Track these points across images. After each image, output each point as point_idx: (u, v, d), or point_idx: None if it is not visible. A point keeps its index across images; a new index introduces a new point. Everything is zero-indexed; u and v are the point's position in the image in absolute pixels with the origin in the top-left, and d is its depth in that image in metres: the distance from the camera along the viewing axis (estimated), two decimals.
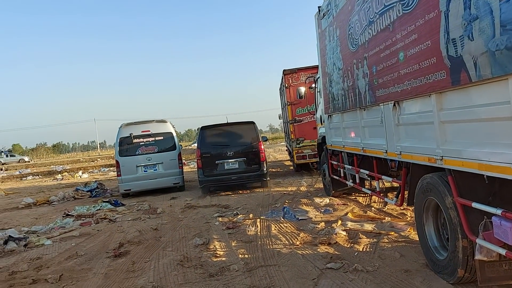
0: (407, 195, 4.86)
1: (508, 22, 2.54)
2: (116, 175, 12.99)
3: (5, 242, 7.09)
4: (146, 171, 12.22)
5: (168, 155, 12.32)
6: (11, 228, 8.61)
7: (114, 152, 13.83)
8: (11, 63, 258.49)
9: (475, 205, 3.20)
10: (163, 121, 12.82)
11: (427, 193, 4.10)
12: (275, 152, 28.73)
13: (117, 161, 12.27)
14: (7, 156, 53.25)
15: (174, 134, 12.76)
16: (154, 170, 12.24)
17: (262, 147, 11.53)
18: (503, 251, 2.96)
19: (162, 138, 12.42)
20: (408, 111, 4.36)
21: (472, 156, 3.13)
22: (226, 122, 12.28)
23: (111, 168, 27.65)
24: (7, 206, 13.21)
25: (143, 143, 12.27)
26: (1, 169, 37.23)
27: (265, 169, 11.39)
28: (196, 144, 12.39)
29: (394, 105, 4.57)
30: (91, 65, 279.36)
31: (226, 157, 11.27)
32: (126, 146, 12.20)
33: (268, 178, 11.84)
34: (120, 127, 12.49)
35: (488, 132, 2.97)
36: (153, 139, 12.34)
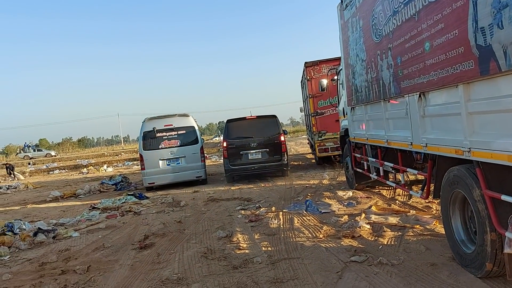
0: (433, 188, 4.77)
1: None
2: (140, 168, 13.21)
3: (35, 234, 7.32)
4: (169, 164, 12.37)
5: (190, 148, 12.44)
6: (40, 220, 8.89)
7: (137, 146, 14.07)
8: (38, 61, 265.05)
9: (504, 197, 3.12)
10: (186, 115, 12.93)
11: (454, 186, 4.02)
12: (297, 145, 28.64)
13: (141, 155, 12.47)
14: (34, 150, 54.71)
15: (196, 128, 12.87)
16: (177, 163, 12.39)
17: (283, 139, 12.28)
18: None
19: (184, 132, 12.54)
20: (434, 102, 4.27)
21: (502, 147, 3.04)
22: (249, 115, 12.85)
23: (135, 162, 28.13)
24: (35, 199, 13.62)
25: (166, 137, 12.42)
26: (29, 163, 38.29)
27: (286, 160, 12.27)
28: (217, 138, 14.43)
29: (420, 96, 4.48)
30: (114, 61, 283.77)
31: (250, 148, 12.15)
32: (150, 140, 12.38)
33: (289, 168, 12.59)
34: (144, 121, 12.67)
35: None
36: (175, 133, 12.47)
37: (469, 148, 3.51)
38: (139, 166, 13.38)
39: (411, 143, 4.92)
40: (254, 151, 12.16)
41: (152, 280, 4.65)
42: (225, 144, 12.41)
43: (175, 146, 12.40)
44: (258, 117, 12.71)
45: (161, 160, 12.32)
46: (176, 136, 12.48)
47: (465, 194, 3.80)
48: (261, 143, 12.18)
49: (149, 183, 12.37)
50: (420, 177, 5.48)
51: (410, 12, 4.39)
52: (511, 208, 3.15)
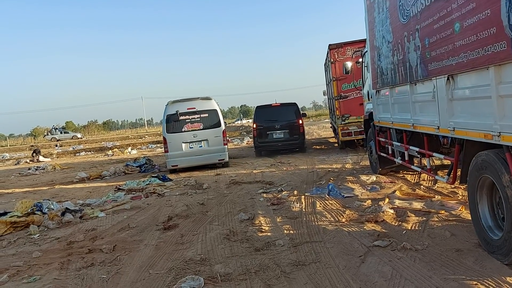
0: (459, 173, 4.66)
1: None
2: (163, 151, 13.39)
3: (63, 214, 7.55)
4: (192, 147, 12.49)
5: (213, 132, 12.52)
6: (67, 200, 9.15)
7: (160, 129, 14.29)
8: (66, 46, 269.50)
9: None
10: (208, 98, 12.96)
11: (481, 171, 3.92)
12: (319, 129, 28.44)
13: (164, 138, 12.62)
14: (61, 133, 56.03)
15: (219, 111, 12.91)
16: (200, 146, 12.50)
17: (301, 122, 15.10)
18: None
19: (207, 115, 12.61)
20: (463, 85, 4.14)
21: None
22: (275, 102, 15.84)
23: (158, 145, 28.50)
24: (62, 180, 14.02)
25: (189, 120, 12.51)
26: (56, 145, 39.31)
27: (303, 139, 15.29)
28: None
29: (448, 79, 4.35)
30: (139, 45, 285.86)
31: (274, 129, 15.04)
32: (173, 123, 12.50)
33: (306, 146, 15.73)
34: (167, 104, 12.78)
35: None
36: (198, 116, 12.55)
37: (499, 133, 3.40)
38: (163, 148, 13.55)
39: (438, 127, 4.80)
40: (278, 131, 15.01)
41: (176, 260, 4.75)
42: (254, 126, 15.42)
43: (198, 129, 12.49)
44: (281, 104, 15.67)
45: (184, 143, 12.44)
46: (199, 119, 12.56)
47: (494, 180, 3.70)
48: (283, 125, 14.96)
49: (172, 166, 12.53)
50: (446, 162, 5.36)
51: None
52: None
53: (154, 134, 45.10)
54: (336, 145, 16.09)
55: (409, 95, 5.84)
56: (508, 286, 3.24)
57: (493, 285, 3.28)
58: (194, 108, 12.57)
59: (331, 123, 19.48)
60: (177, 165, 12.53)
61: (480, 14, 3.47)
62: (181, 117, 12.47)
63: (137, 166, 14.69)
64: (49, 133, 56.48)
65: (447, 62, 4.28)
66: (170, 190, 9.65)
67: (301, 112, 15.89)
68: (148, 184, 10.73)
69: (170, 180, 11.14)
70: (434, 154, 5.48)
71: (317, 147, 16.84)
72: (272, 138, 15.08)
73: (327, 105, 20.67)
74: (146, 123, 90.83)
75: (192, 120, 12.53)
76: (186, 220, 6.63)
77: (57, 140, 49.05)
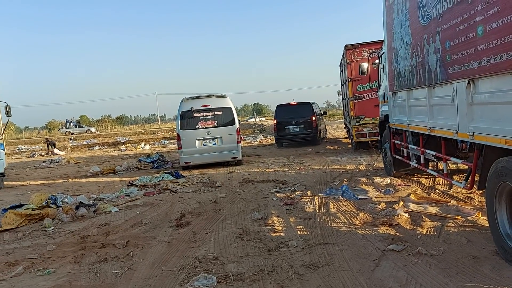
0: (477, 178, 4.58)
1: None
2: (176, 147, 13.45)
3: (77, 208, 7.63)
4: (206, 144, 12.52)
5: (227, 129, 12.52)
6: (81, 194, 9.26)
7: (173, 125, 14.42)
8: (79, 41, 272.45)
9: None
10: (223, 96, 12.97)
11: (501, 178, 3.85)
12: (332, 130, 28.25)
13: (178, 134, 12.67)
14: (75, 126, 56.63)
15: (233, 109, 12.91)
16: (213, 144, 12.52)
17: (314, 118, 17.82)
18: None
19: (221, 112, 12.61)
20: (485, 89, 4.07)
21: None
22: (292, 101, 18.84)
23: (171, 141, 28.66)
24: (76, 174, 14.19)
25: (203, 117, 12.53)
26: (71, 139, 39.77)
27: (316, 133, 18.01)
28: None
29: (469, 83, 4.27)
30: (152, 41, 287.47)
31: (291, 124, 17.95)
32: (187, 120, 12.54)
33: (319, 139, 18.41)
34: (182, 101, 12.82)
35: None
36: (212, 113, 12.57)
37: None
38: (176, 145, 13.63)
39: (457, 131, 4.72)
40: (294, 126, 17.90)
41: (188, 258, 4.76)
42: (275, 121, 18.47)
43: (212, 127, 12.51)
44: (298, 103, 18.66)
45: (198, 140, 12.48)
46: (213, 116, 12.57)
47: None
48: (299, 121, 17.82)
49: (185, 162, 12.58)
50: (462, 166, 5.28)
51: None
52: None
53: (167, 130, 45.35)
54: (350, 146, 15.99)
55: (427, 98, 5.75)
56: None
57: None
58: (209, 105, 12.59)
59: (345, 124, 19.38)
60: (190, 162, 12.57)
61: (505, 18, 3.40)
62: (195, 114, 12.50)
63: (150, 162, 14.79)
64: (63, 127, 57.14)
65: (468, 66, 4.20)
66: (182, 187, 9.69)
67: (322, 110, 20.14)
68: (161, 180, 10.79)
69: (183, 177, 11.19)
70: (451, 158, 5.40)
71: (331, 147, 16.75)
72: (289, 132, 17.99)
73: (341, 105, 20.57)
74: (159, 119, 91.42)
75: (206, 117, 12.55)
76: (198, 217, 6.65)
77: (71, 134, 49.59)
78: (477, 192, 6.20)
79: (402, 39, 6.65)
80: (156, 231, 6.11)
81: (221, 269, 4.31)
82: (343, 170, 10.21)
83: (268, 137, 26.94)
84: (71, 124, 57.21)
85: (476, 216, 5.29)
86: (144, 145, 27.53)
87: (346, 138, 19.62)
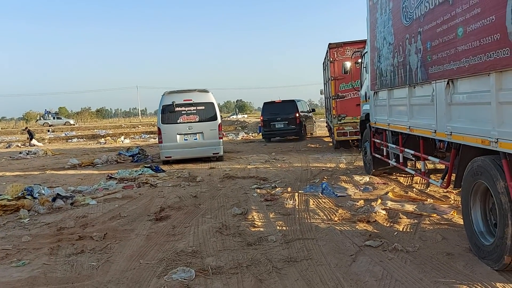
0: (454, 177, 4.69)
1: None
2: (157, 142, 13.33)
3: (54, 199, 7.49)
4: (187, 139, 12.44)
5: (208, 125, 12.46)
6: (58, 186, 9.08)
7: (154, 119, 14.30)
8: (59, 31, 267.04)
9: None
10: (205, 91, 12.90)
11: (476, 177, 3.94)
12: (314, 128, 28.39)
13: (159, 129, 12.55)
14: (54, 118, 55.60)
15: (216, 105, 12.85)
16: (194, 139, 12.45)
17: (298, 115, 19.15)
18: None
19: (203, 107, 12.54)
20: (463, 90, 4.16)
21: None
22: (278, 99, 20.18)
23: (152, 135, 28.40)
24: (54, 166, 13.93)
25: (184, 111, 12.44)
26: (49, 130, 39.01)
27: (299, 128, 19.28)
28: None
29: (448, 83, 4.36)
30: (135, 34, 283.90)
31: (277, 120, 19.25)
32: (168, 114, 12.42)
33: (303, 134, 19.69)
34: (163, 95, 12.70)
35: None
36: (194, 108, 12.49)
37: (497, 139, 3.42)
38: (156, 139, 13.50)
39: (435, 131, 4.82)
40: (279, 122, 19.21)
41: (167, 251, 4.73)
42: (261, 118, 19.92)
43: (194, 122, 12.43)
44: (282, 101, 20.11)
45: (179, 134, 12.39)
46: (195, 111, 12.49)
47: (488, 186, 3.72)
48: (283, 118, 19.11)
49: (166, 157, 12.48)
50: (439, 166, 5.38)
51: None
52: None
53: (147, 124, 44.92)
54: (331, 144, 16.11)
55: (407, 97, 5.85)
56: None
57: None
58: (191, 100, 12.50)
59: (326, 122, 19.55)
60: (170, 157, 12.48)
61: (485, 20, 3.48)
62: (177, 108, 12.40)
63: (129, 156, 14.62)
64: (41, 118, 56.05)
65: (448, 66, 4.29)
66: (162, 181, 9.62)
67: (311, 107, 23.47)
68: (141, 174, 10.68)
69: (163, 171, 11.10)
70: (429, 157, 5.50)
71: (312, 145, 16.85)
72: (275, 128, 19.36)
73: (323, 104, 20.83)
74: (140, 112, 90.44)
75: (188, 112, 12.46)
76: (178, 211, 6.61)
77: (50, 126, 48.66)
78: (453, 191, 6.33)
79: (384, 39, 6.73)
80: (135, 224, 6.05)
81: (199, 263, 4.30)
82: (324, 168, 10.29)
83: (250, 134, 26.96)
84: (50, 115, 56.15)
85: (452, 214, 5.41)
86: (124, 138, 27.21)
87: (327, 136, 19.78)
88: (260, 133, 24.33)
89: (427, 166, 6.72)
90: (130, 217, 6.46)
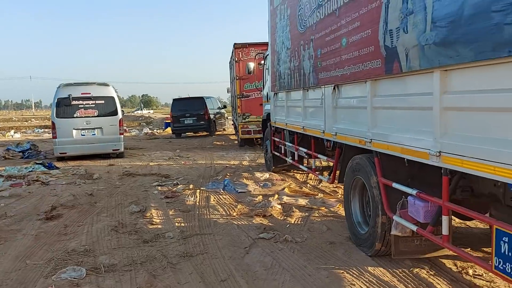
0: (338, 173, 5.16)
1: (438, 19, 2.76)
2: (51, 137, 12.48)
3: None
4: (84, 135, 11.83)
5: (108, 120, 11.98)
6: None
7: (50, 113, 13.38)
8: None
9: (395, 185, 3.51)
10: (105, 85, 12.39)
11: (355, 173, 4.40)
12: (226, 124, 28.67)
13: (53, 123, 11.78)
14: None
15: (116, 99, 12.39)
16: (93, 134, 11.88)
17: (206, 111, 19.98)
18: (414, 228, 3.29)
19: (103, 102, 12.02)
20: (346, 95, 4.60)
21: (396, 140, 3.40)
22: (187, 96, 22.08)
23: (46, 130, 26.37)
24: None
25: (82, 105, 11.81)
26: None
27: (209, 124, 20.13)
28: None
29: (334, 88, 4.78)
30: (30, 16, 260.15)
31: (186, 116, 19.89)
32: (64, 107, 11.71)
33: (212, 130, 20.39)
34: (59, 87, 11.94)
35: (412, 119, 3.25)
36: (93, 102, 11.91)
37: (371, 139, 3.86)
38: (51, 134, 12.63)
39: (324, 131, 5.25)
40: (188, 118, 19.86)
41: (57, 251, 4.53)
42: (171, 114, 20.54)
43: (92, 116, 11.86)
44: (192, 97, 21.51)
45: (75, 129, 11.73)
46: (94, 105, 11.92)
47: (364, 181, 4.18)
48: (193, 114, 19.85)
49: (60, 153, 11.75)
50: (331, 163, 5.87)
51: (332, 7, 4.64)
52: (400, 195, 3.54)
53: (42, 118, 41.57)
54: (236, 142, 16.45)
55: (302, 100, 6.26)
56: (368, 274, 3.69)
57: (357, 274, 3.71)
58: (90, 93, 11.90)
59: (233, 120, 19.91)
60: (65, 153, 11.76)
61: (363, 33, 3.89)
62: (74, 102, 11.72)
63: (19, 151, 13.48)
64: None
65: (334, 73, 4.70)
66: (56, 179, 9.07)
67: (223, 104, 23.96)
68: (31, 171, 9.94)
69: (57, 168, 10.44)
70: (319, 155, 5.97)
71: (218, 143, 17.03)
72: (184, 123, 19.97)
73: (231, 103, 21.21)
74: (33, 105, 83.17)
75: (86, 106, 11.85)
76: (71, 210, 6.32)
77: None
78: (341, 186, 6.91)
79: (283, 43, 7.10)
80: (23, 224, 5.67)
81: (92, 261, 4.19)
82: (227, 165, 10.51)
83: (156, 130, 26.35)
84: None
85: (338, 207, 5.92)
86: (14, 132, 24.91)
87: (233, 134, 20.14)
88: (166, 130, 24.08)
89: (321, 163, 7.27)
90: (17, 216, 6.03)
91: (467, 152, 2.56)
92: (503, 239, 2.37)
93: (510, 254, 2.33)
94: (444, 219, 2.91)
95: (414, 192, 3.24)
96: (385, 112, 3.70)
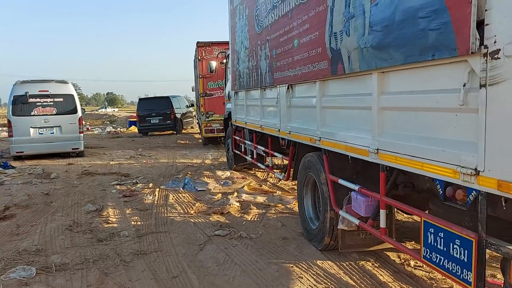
0: (293, 171, 5.30)
1: (374, 24, 2.92)
2: (7, 135, 12.09)
3: None
4: (42, 133, 11.52)
5: (67, 118, 11.71)
6: None
7: (6, 111, 12.94)
8: None
9: (341, 181, 3.67)
10: (64, 82, 12.11)
11: (307, 170, 4.55)
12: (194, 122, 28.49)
13: (9, 121, 11.42)
14: None
15: (76, 97, 12.13)
16: (51, 133, 11.59)
17: (172, 111, 20.04)
18: (357, 221, 3.46)
19: (62, 99, 11.74)
20: (298, 94, 4.73)
21: (341, 138, 3.56)
22: (153, 95, 22.08)
23: (4, 128, 25.38)
24: None
25: (40, 103, 11.50)
26: None
27: (174, 123, 20.13)
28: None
29: (288, 88, 4.92)
30: None
31: (152, 116, 19.93)
32: (21, 105, 11.37)
33: (178, 128, 20.49)
34: (15, 84, 11.60)
35: (354, 119, 3.41)
36: (51, 100, 11.63)
37: (320, 138, 4.00)
38: (7, 133, 12.23)
39: (279, 130, 5.37)
40: (154, 118, 19.88)
41: (8, 251, 4.45)
42: (137, 113, 20.56)
43: (50, 114, 11.57)
44: (158, 97, 21.71)
45: (33, 128, 11.41)
46: (52, 103, 11.63)
47: (315, 178, 4.33)
48: (159, 113, 19.85)
49: (17, 152, 11.40)
50: (286, 161, 6.01)
51: (285, 9, 4.77)
52: (347, 191, 3.70)
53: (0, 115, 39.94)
54: (200, 141, 16.42)
55: (259, 99, 6.36)
56: (317, 267, 3.84)
57: (306, 267, 3.85)
58: (48, 91, 11.60)
59: (197, 119, 19.88)
60: (22, 152, 11.42)
61: (312, 35, 4.03)
62: (31, 100, 11.39)
63: None
64: None
65: (287, 73, 4.83)
66: (11, 179, 8.82)
67: (190, 103, 22.92)
68: None
69: (13, 167, 10.14)
70: (276, 153, 6.10)
71: (182, 142, 16.95)
72: (150, 123, 19.99)
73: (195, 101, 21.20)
74: None
75: (44, 103, 11.54)
76: (25, 210, 6.18)
77: None
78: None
79: (242, 43, 7.19)
80: None
81: (43, 261, 4.15)
82: (190, 164, 10.51)
83: (119, 128, 25.89)
84: None
85: (294, 204, 6.07)
86: None
87: (197, 133, 20.09)
88: (130, 128, 23.72)
89: (281, 162, 7.39)
90: None
91: (400, 149, 2.73)
92: (430, 230, 2.55)
93: (435, 244, 2.51)
94: (382, 213, 3.07)
95: (356, 187, 3.41)
96: (332, 112, 3.85)
